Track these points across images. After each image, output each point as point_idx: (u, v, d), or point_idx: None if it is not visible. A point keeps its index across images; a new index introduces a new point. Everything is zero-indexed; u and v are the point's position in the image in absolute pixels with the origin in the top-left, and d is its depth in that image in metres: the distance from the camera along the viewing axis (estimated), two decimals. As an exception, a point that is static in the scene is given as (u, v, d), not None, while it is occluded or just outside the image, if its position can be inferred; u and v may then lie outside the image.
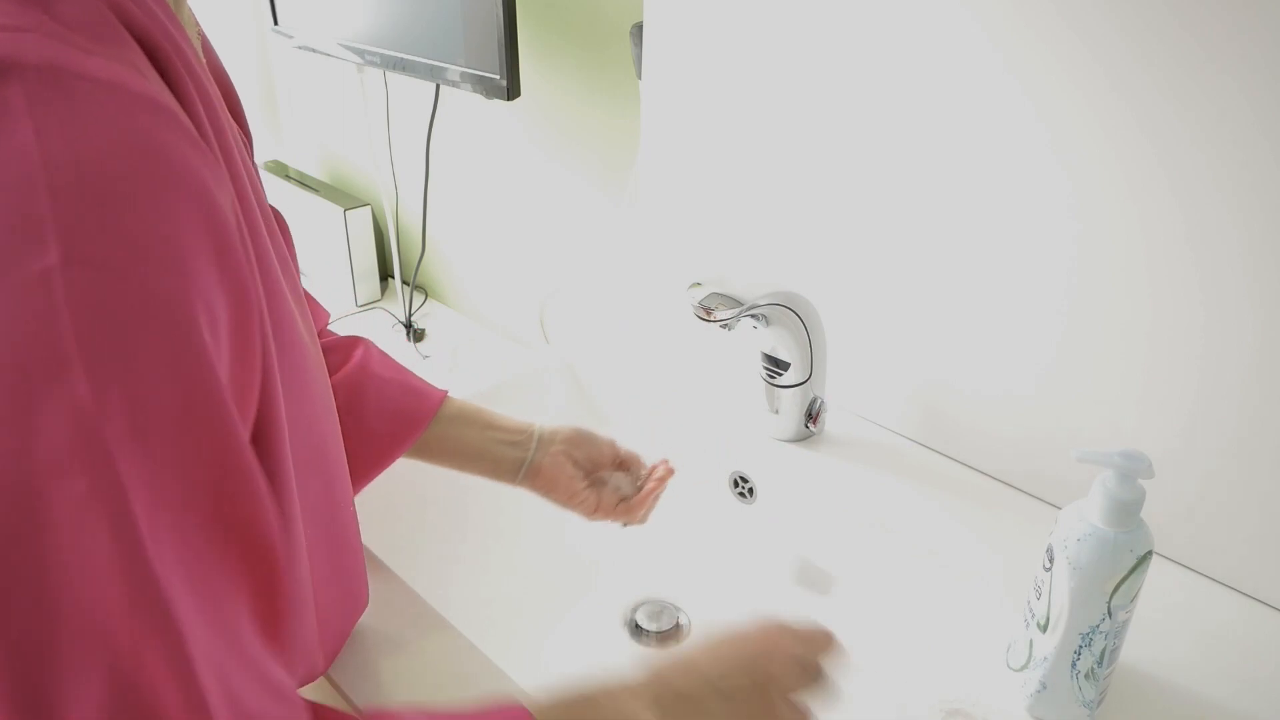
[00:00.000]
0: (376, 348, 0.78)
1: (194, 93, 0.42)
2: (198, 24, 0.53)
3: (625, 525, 0.83)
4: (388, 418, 0.74)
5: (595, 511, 0.80)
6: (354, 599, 0.65)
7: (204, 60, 0.48)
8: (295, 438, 0.49)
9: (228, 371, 0.40)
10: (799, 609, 0.87)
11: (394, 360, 0.79)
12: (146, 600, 0.36)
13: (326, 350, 0.73)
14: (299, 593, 0.51)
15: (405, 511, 0.85)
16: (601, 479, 0.82)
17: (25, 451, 0.34)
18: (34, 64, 0.34)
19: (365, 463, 0.73)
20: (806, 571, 0.68)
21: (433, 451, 0.77)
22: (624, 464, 0.84)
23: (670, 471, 0.83)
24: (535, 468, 0.78)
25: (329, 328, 0.81)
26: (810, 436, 0.93)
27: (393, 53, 1.25)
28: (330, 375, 0.69)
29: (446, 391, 0.78)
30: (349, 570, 0.63)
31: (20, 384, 0.34)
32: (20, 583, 0.34)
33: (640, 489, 0.82)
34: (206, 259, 0.38)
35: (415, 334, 1.55)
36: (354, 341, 0.76)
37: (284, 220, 0.60)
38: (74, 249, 0.33)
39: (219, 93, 0.48)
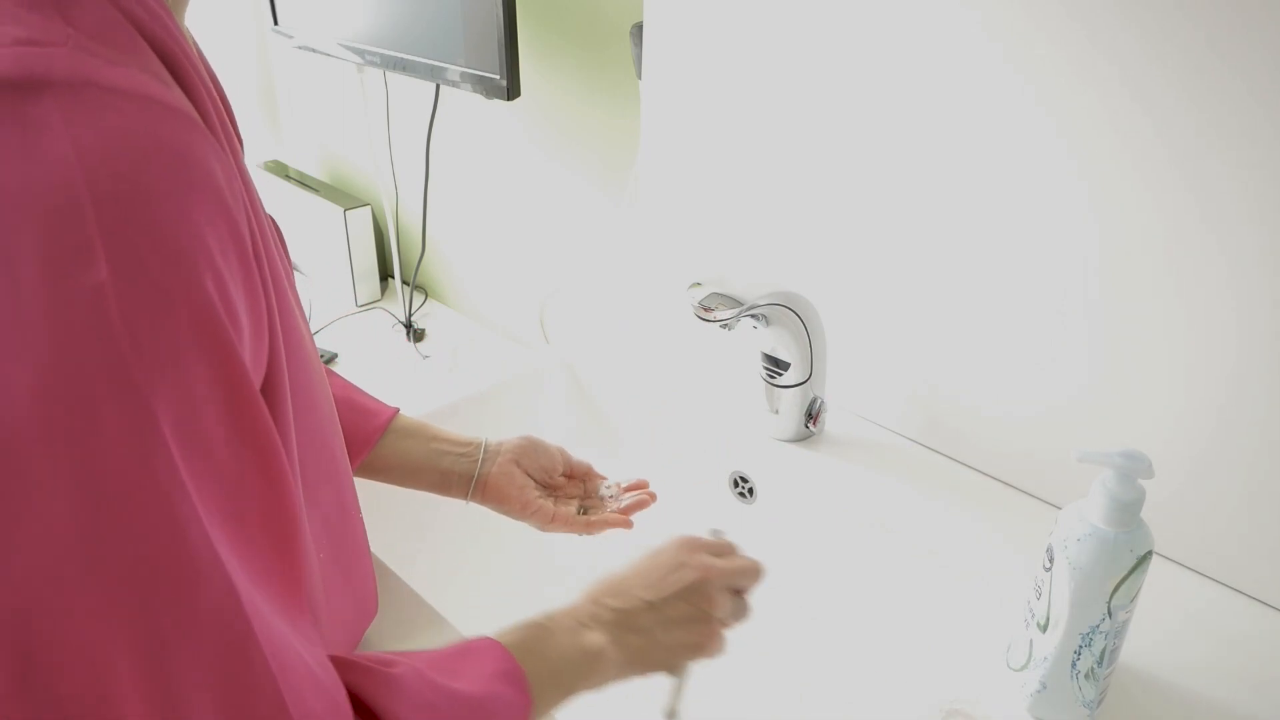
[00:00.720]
0: (328, 368, 0.76)
1: (206, 100, 0.43)
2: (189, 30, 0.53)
3: (581, 535, 0.80)
4: None
5: (551, 521, 0.77)
6: (364, 608, 0.65)
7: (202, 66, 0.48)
8: (306, 445, 0.49)
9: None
10: (799, 608, 0.87)
11: (343, 379, 0.77)
12: (223, 596, 0.38)
13: None
14: (314, 600, 0.51)
15: (407, 515, 0.85)
16: (557, 486, 0.80)
17: (92, 466, 0.35)
18: (65, 79, 0.35)
19: None
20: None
21: (379, 468, 0.76)
22: (574, 473, 0.81)
23: (651, 498, 0.80)
24: (483, 480, 0.76)
25: None
26: (810, 436, 0.93)
27: (393, 53, 1.25)
28: None
29: (397, 409, 0.77)
30: (359, 579, 0.63)
31: (84, 399, 0.35)
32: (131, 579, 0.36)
33: (613, 506, 0.80)
34: (232, 266, 0.39)
35: (415, 334, 1.55)
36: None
37: (279, 227, 0.60)
38: (121, 262, 0.34)
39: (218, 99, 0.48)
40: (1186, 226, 0.69)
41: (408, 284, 1.60)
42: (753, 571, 0.66)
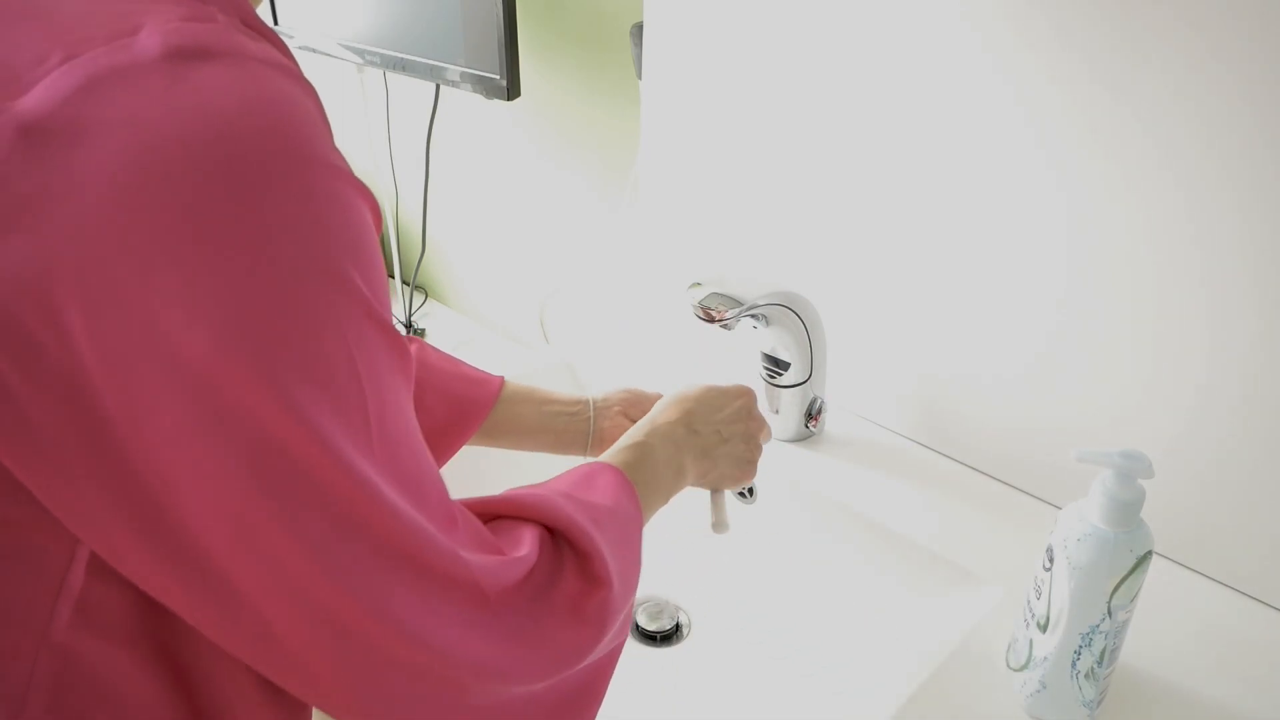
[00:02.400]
0: (429, 344, 0.81)
1: None
2: None
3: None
4: (452, 406, 0.77)
5: None
6: None
7: None
8: None
9: None
10: (800, 609, 0.87)
11: (447, 354, 0.81)
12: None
13: None
14: None
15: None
16: None
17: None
18: (225, 50, 0.40)
19: (432, 451, 0.75)
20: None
21: (496, 433, 0.80)
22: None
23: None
24: (599, 434, 0.81)
25: None
26: (810, 436, 0.93)
27: (393, 53, 1.25)
28: None
29: (503, 377, 0.82)
30: None
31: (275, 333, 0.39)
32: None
33: None
34: (362, 210, 0.45)
35: (415, 334, 1.55)
36: (407, 339, 0.78)
37: None
38: (297, 199, 0.40)
39: None
40: (1187, 226, 0.69)
41: (408, 284, 1.60)
42: (769, 432, 0.79)
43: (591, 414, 0.81)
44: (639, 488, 0.61)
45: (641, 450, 0.65)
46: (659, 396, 0.83)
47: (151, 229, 0.37)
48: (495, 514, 0.53)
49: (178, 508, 0.39)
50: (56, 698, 0.43)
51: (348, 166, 0.44)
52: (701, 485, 0.72)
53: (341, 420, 0.41)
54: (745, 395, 0.75)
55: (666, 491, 0.66)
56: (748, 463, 0.74)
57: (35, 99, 0.36)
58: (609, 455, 0.64)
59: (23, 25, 0.39)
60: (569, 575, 0.52)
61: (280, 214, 0.39)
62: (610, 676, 0.56)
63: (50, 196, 0.36)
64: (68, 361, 0.37)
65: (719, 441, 0.71)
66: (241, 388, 0.38)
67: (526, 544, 0.51)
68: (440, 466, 0.77)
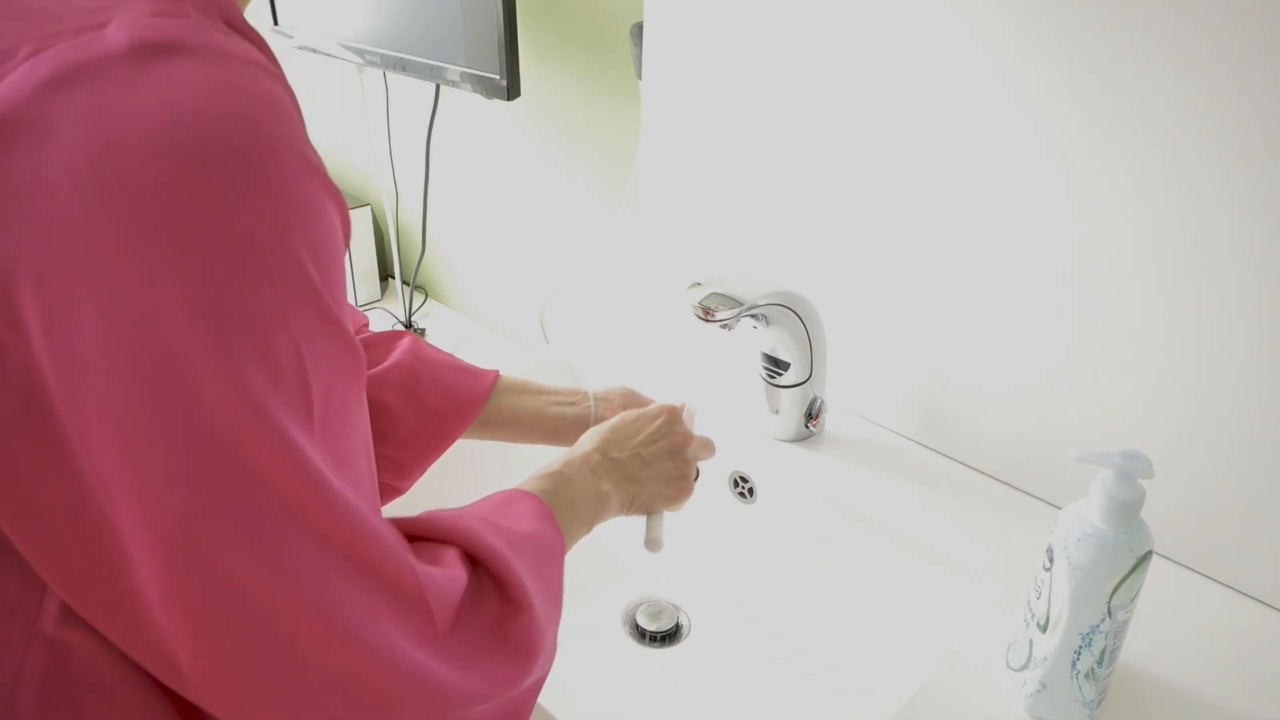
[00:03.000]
0: (421, 339, 0.81)
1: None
2: None
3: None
4: (447, 397, 0.77)
5: None
6: None
7: None
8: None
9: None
10: (800, 609, 0.87)
11: (439, 349, 0.82)
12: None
13: (371, 345, 0.76)
14: None
15: (408, 511, 0.85)
16: None
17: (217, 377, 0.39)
18: (196, 44, 0.39)
19: (428, 443, 0.76)
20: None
21: (494, 424, 0.80)
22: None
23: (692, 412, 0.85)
24: (600, 423, 0.80)
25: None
26: (810, 436, 0.93)
27: (393, 53, 1.25)
28: (375, 368, 0.74)
29: (498, 371, 0.82)
30: None
31: (232, 317, 0.39)
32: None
33: None
34: (328, 208, 0.44)
35: (416, 334, 1.55)
36: (398, 334, 0.80)
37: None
38: (256, 200, 0.39)
39: None
40: (1189, 226, 0.69)
41: (408, 284, 1.60)
42: (711, 445, 0.79)
43: (592, 404, 0.82)
44: (559, 515, 0.60)
45: (558, 479, 0.64)
46: (650, 402, 0.84)
47: (109, 229, 0.36)
48: (412, 535, 0.52)
49: (117, 514, 0.38)
50: (46, 689, 0.43)
51: (320, 166, 0.43)
52: (635, 511, 0.71)
53: (295, 420, 0.40)
54: (664, 413, 0.74)
55: (589, 520, 0.65)
56: (678, 479, 0.73)
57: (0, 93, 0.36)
58: (525, 484, 0.63)
59: None
60: (490, 600, 0.51)
61: (241, 216, 0.38)
62: (529, 714, 0.54)
63: (13, 193, 0.36)
64: (26, 360, 0.37)
65: (641, 465, 0.70)
66: (195, 394, 0.38)
67: (454, 565, 0.50)
68: (436, 459, 0.77)
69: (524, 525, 0.57)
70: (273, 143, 0.40)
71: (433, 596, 0.46)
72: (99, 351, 0.37)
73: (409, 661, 0.44)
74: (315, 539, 0.41)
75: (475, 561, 0.51)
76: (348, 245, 0.47)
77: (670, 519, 0.75)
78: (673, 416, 0.75)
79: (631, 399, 0.83)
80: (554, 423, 0.81)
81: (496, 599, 0.51)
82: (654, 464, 0.71)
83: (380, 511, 0.48)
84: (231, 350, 0.39)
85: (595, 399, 0.83)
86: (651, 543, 0.73)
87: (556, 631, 0.56)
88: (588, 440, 0.70)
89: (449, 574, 0.48)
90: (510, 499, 0.60)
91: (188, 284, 0.37)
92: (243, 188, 0.39)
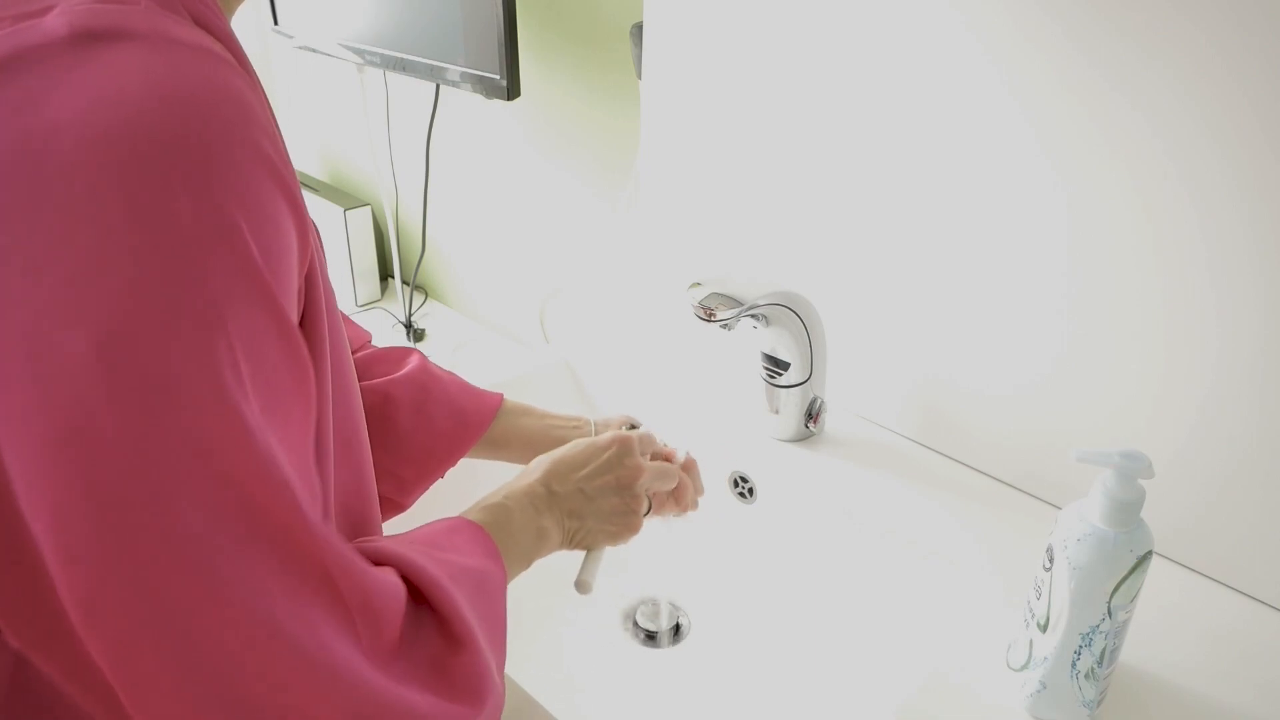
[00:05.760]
0: (428, 359, 0.81)
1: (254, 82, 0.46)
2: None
3: (677, 516, 0.83)
4: (455, 414, 0.77)
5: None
6: None
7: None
8: (332, 421, 0.51)
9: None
10: (799, 611, 0.87)
11: (446, 369, 0.82)
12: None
13: (378, 360, 0.77)
14: None
15: (407, 512, 0.85)
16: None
17: (168, 376, 0.37)
18: (143, 32, 0.38)
19: (433, 460, 0.76)
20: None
21: (500, 445, 0.80)
22: (664, 458, 0.84)
23: (691, 463, 0.84)
24: None
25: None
26: (810, 436, 0.93)
27: (393, 53, 1.25)
28: (385, 379, 0.74)
29: (502, 395, 0.82)
30: None
31: (165, 312, 0.37)
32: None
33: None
34: (280, 205, 0.42)
35: (415, 334, 1.55)
36: (408, 351, 0.80)
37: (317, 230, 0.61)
38: (196, 193, 0.37)
39: None
40: (1193, 226, 0.69)
41: (408, 284, 1.60)
42: (671, 474, 0.75)
43: (593, 431, 0.82)
44: (501, 547, 0.58)
45: (499, 511, 0.62)
46: (652, 433, 0.83)
47: (40, 221, 0.35)
48: None
49: (36, 528, 0.37)
50: (12, 701, 0.42)
51: (281, 164, 0.41)
52: (575, 547, 0.68)
53: (225, 405, 0.38)
54: (615, 445, 0.70)
55: (528, 555, 0.63)
56: (625, 514, 0.69)
57: None
58: (467, 512, 0.61)
59: None
60: (429, 634, 0.47)
61: (178, 207, 0.37)
62: None
63: None
64: None
65: (584, 500, 0.67)
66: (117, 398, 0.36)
67: (394, 578, 0.47)
68: (439, 476, 0.77)
69: (467, 558, 0.54)
70: (219, 131, 0.38)
71: (379, 603, 0.43)
72: (24, 353, 0.35)
73: (352, 673, 0.41)
74: (257, 543, 0.39)
75: (414, 591, 0.48)
76: (308, 252, 0.45)
77: (663, 527, 0.74)
78: (623, 448, 0.70)
79: (632, 425, 0.83)
80: (556, 445, 0.79)
81: (436, 633, 0.48)
82: (598, 499, 0.68)
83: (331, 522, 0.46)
84: (160, 361, 0.37)
85: (596, 425, 0.82)
86: (581, 585, 0.70)
87: (502, 674, 0.52)
88: (533, 470, 0.67)
89: (394, 581, 0.46)
90: (453, 528, 0.57)
91: (117, 281, 0.36)
92: (178, 178, 0.37)
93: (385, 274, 1.73)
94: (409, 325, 1.55)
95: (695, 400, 0.99)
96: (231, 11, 0.49)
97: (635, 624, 0.88)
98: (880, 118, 0.84)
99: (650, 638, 0.87)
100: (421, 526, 0.57)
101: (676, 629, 0.88)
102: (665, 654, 0.86)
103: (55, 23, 0.37)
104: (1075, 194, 0.74)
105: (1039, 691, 0.63)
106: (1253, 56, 0.63)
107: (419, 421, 0.74)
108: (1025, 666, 0.64)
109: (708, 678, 0.83)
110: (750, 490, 0.92)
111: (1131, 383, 0.76)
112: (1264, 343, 0.68)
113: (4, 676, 0.42)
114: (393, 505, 0.75)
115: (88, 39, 0.37)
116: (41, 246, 0.35)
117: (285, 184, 0.41)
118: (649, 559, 0.93)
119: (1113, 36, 0.69)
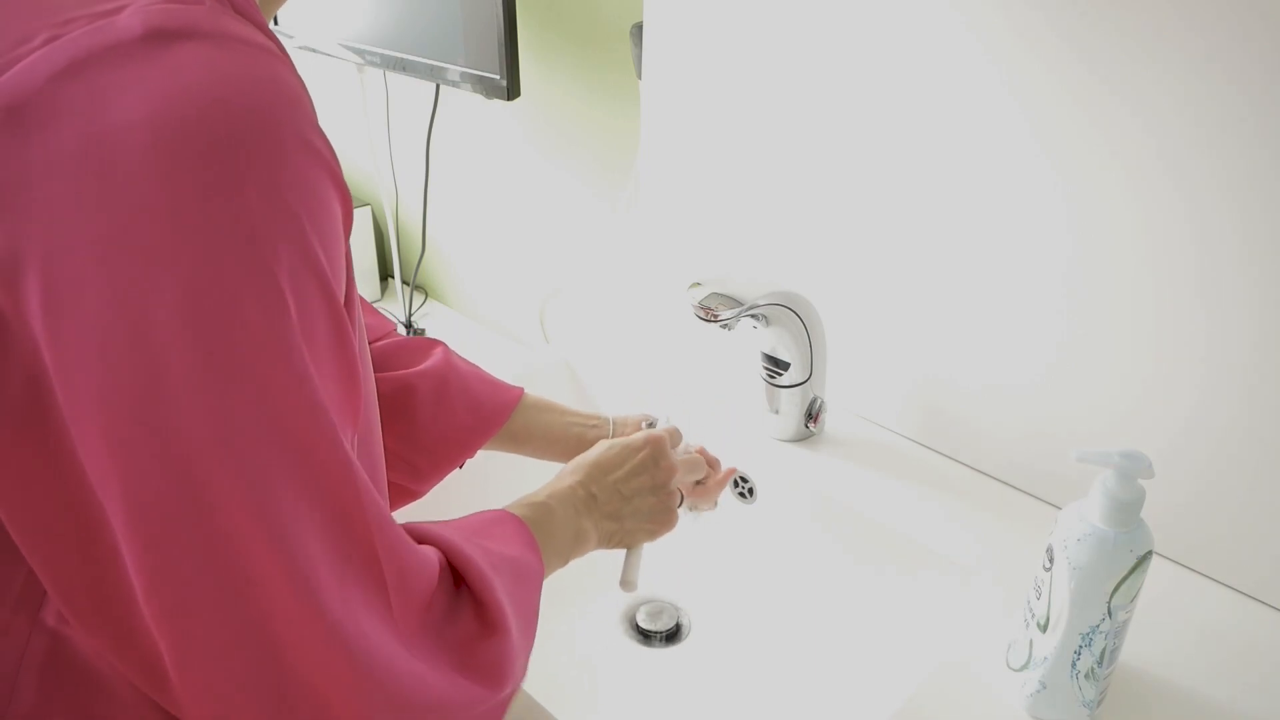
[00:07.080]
0: (452, 350, 0.81)
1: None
2: None
3: (695, 510, 0.85)
4: (474, 407, 0.78)
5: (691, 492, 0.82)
6: None
7: None
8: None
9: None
10: (799, 613, 0.87)
11: (469, 361, 0.82)
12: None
13: (402, 349, 0.77)
14: None
15: (406, 512, 0.85)
16: None
17: (239, 354, 0.39)
18: (207, 31, 0.40)
19: (449, 451, 0.77)
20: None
21: (519, 438, 0.80)
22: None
23: (731, 470, 0.86)
24: None
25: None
26: (810, 436, 0.93)
27: (393, 53, 1.25)
28: (409, 370, 0.75)
29: (523, 389, 0.82)
30: None
31: (231, 298, 0.39)
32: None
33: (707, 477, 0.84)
34: (333, 195, 0.44)
35: (415, 334, 1.55)
36: (433, 342, 0.80)
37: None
38: (262, 184, 0.39)
39: None
40: (1186, 226, 0.69)
41: (408, 284, 1.60)
42: (699, 465, 0.79)
43: (611, 429, 0.82)
44: (541, 543, 0.59)
45: (541, 509, 0.63)
46: (677, 431, 0.84)
47: (111, 215, 0.37)
48: None
49: (106, 505, 0.39)
50: (47, 677, 0.44)
51: (328, 154, 0.43)
52: (612, 546, 0.70)
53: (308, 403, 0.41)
54: (649, 445, 0.72)
55: (565, 553, 0.64)
56: (662, 512, 0.72)
57: (14, 79, 0.37)
58: (509, 507, 0.63)
59: (11, 3, 0.39)
60: (466, 617, 0.50)
61: (245, 201, 0.38)
62: None
63: (26, 179, 0.36)
64: (30, 344, 0.37)
65: (621, 501, 0.69)
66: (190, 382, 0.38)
67: (434, 559, 0.49)
68: (455, 467, 0.78)
69: (508, 548, 0.56)
70: (278, 127, 0.40)
71: (414, 582, 0.46)
72: (96, 341, 0.37)
73: (377, 647, 0.43)
74: (314, 520, 0.41)
75: (456, 575, 0.50)
76: (348, 239, 0.47)
77: (694, 521, 0.74)
78: (657, 449, 0.72)
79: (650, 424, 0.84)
80: (575, 442, 0.81)
81: (473, 616, 0.50)
82: (635, 500, 0.70)
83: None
84: (230, 347, 0.39)
85: (614, 424, 0.83)
86: (626, 583, 0.72)
87: (527, 659, 0.55)
88: (571, 473, 0.69)
89: (429, 560, 0.48)
90: (496, 520, 0.59)
91: (187, 272, 0.37)
92: (246, 171, 0.38)
93: (385, 274, 1.73)
94: (409, 325, 1.55)
95: (695, 400, 0.99)
96: (270, 15, 0.51)
97: (636, 624, 0.88)
98: (880, 118, 0.84)
99: (651, 638, 0.87)
100: (466, 516, 0.59)
101: (677, 629, 0.88)
102: (666, 654, 0.86)
103: (130, 22, 0.38)
104: (1073, 195, 0.74)
105: (1039, 691, 0.63)
106: (1249, 62, 0.63)
107: (437, 414, 0.75)
108: (1025, 666, 0.64)
109: (708, 678, 0.83)
110: (750, 490, 0.92)
111: (1130, 382, 0.76)
112: (1257, 341, 0.68)
113: (40, 657, 0.44)
114: (406, 493, 0.76)
115: (160, 38, 0.38)
116: (117, 238, 0.37)
117: (331, 168, 0.43)
118: (649, 559, 0.93)
119: (1112, 39, 0.69)
